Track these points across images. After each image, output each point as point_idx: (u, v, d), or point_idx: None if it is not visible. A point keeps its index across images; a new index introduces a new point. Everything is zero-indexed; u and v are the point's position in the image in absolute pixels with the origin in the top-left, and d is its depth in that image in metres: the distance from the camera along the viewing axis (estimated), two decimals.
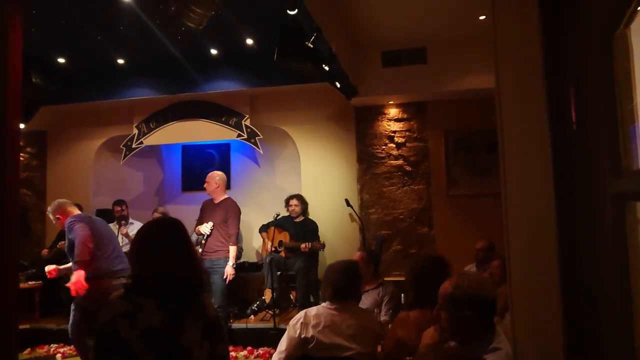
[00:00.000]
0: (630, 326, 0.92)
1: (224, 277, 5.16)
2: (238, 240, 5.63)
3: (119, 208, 6.67)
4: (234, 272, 5.21)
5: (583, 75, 1.00)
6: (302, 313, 2.70)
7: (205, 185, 5.47)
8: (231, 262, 5.20)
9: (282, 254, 6.20)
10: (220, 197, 5.42)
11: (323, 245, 6.04)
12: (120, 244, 6.27)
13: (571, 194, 1.02)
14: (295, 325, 2.64)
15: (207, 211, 5.46)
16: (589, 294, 1.01)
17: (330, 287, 2.74)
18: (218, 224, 5.29)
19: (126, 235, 6.32)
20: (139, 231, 2.04)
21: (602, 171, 0.95)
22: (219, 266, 5.17)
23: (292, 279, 6.25)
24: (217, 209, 5.37)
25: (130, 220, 6.67)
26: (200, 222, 5.45)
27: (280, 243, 6.25)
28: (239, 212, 5.40)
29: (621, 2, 0.90)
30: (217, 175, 5.46)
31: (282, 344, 2.65)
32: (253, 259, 7.11)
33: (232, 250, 5.23)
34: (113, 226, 6.54)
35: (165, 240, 1.95)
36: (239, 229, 5.41)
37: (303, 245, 6.01)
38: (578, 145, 1.01)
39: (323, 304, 2.75)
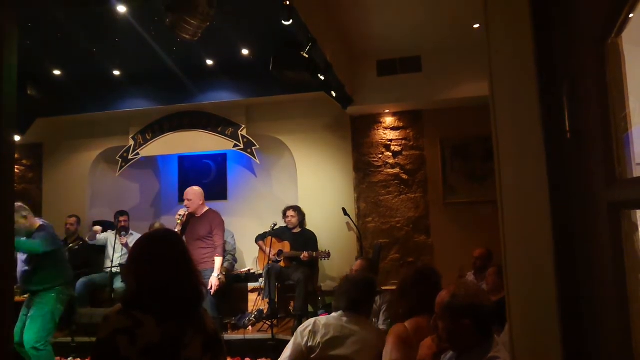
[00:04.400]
0: (628, 334, 0.92)
1: (209, 287, 5.14)
2: (228, 251, 5.65)
3: (122, 218, 6.66)
4: (219, 282, 5.19)
5: (576, 84, 1.00)
6: (311, 320, 2.68)
7: (187, 204, 5.42)
8: (216, 273, 5.21)
9: (282, 263, 6.18)
10: (202, 210, 5.44)
11: (328, 254, 6.03)
12: (119, 254, 6.30)
13: (566, 202, 1.02)
14: (304, 332, 2.61)
15: (190, 225, 5.44)
16: (586, 302, 1.01)
17: (345, 298, 2.72)
18: (203, 237, 5.30)
19: (125, 245, 6.31)
20: (135, 244, 2.00)
21: (597, 179, 0.95)
22: (205, 277, 5.15)
23: (290, 289, 6.22)
24: (200, 222, 5.37)
25: (131, 232, 6.66)
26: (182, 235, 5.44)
27: (280, 252, 6.24)
28: (222, 223, 5.43)
29: (612, 12, 0.91)
30: (196, 192, 5.44)
31: (287, 351, 2.62)
32: (252, 269, 7.09)
33: (218, 261, 5.24)
34: (112, 235, 6.53)
35: (163, 253, 1.92)
36: (224, 239, 5.40)
37: (303, 255, 6.00)
38: (572, 154, 1.01)
39: (334, 314, 2.73)
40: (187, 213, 5.44)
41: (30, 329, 4.41)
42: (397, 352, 2.32)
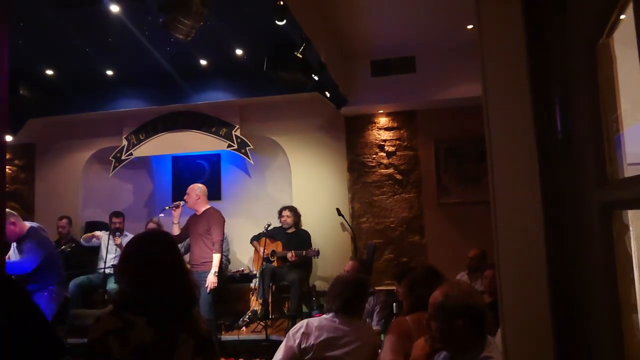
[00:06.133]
0: (620, 333, 0.92)
1: (206, 286, 5.11)
2: (224, 250, 5.64)
3: (117, 220, 6.62)
4: (216, 280, 5.14)
5: (568, 85, 1.01)
6: (303, 322, 2.67)
7: (185, 198, 5.51)
8: (214, 270, 5.14)
9: (275, 263, 6.17)
10: (202, 208, 5.45)
11: (317, 252, 6.02)
12: (113, 255, 6.28)
13: (558, 203, 1.03)
14: (296, 335, 2.60)
15: (191, 224, 5.45)
16: (578, 301, 1.01)
17: (338, 300, 2.71)
18: (202, 234, 5.28)
19: (120, 245, 6.28)
20: (126, 245, 2.00)
21: (588, 180, 0.96)
22: (205, 278, 5.12)
23: (284, 290, 6.22)
24: (200, 220, 5.38)
25: (125, 233, 6.62)
26: (184, 235, 5.47)
27: (273, 252, 6.23)
28: (221, 219, 5.39)
29: (603, 13, 0.91)
30: (197, 187, 5.52)
31: (279, 353, 2.61)
32: (245, 269, 7.08)
33: (216, 258, 5.19)
34: (106, 236, 6.50)
35: (155, 254, 1.92)
36: (222, 236, 5.38)
37: (289, 255, 5.98)
38: (564, 154, 1.01)
39: (326, 316, 2.72)
40: (181, 204, 5.48)
41: None
42: (394, 342, 2.37)
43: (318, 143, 7.06)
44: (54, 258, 4.83)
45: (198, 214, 5.45)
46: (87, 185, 7.69)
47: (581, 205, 0.97)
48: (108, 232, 6.52)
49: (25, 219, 7.48)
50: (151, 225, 6.73)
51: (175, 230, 5.45)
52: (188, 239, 5.74)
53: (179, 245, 5.22)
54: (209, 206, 5.51)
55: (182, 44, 4.12)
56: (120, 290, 1.89)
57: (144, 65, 6.00)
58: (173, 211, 5.52)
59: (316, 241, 6.43)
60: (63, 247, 6.37)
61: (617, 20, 0.91)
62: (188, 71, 6.27)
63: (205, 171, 7.69)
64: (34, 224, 4.75)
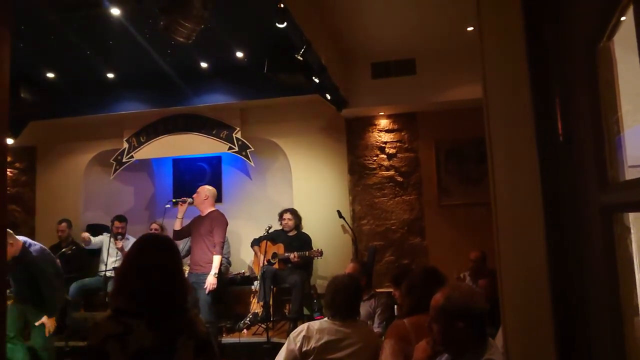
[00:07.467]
0: (621, 336, 0.92)
1: (205, 287, 5.10)
2: (224, 253, 5.65)
3: (119, 225, 6.59)
4: (215, 282, 5.13)
5: (568, 88, 1.01)
6: (304, 326, 2.69)
7: (194, 196, 5.56)
8: (213, 271, 5.14)
9: (276, 265, 6.17)
10: (207, 209, 5.47)
11: (321, 253, 6.02)
12: (114, 259, 6.27)
13: (559, 205, 1.03)
14: (297, 338, 2.62)
15: (194, 225, 5.47)
16: (579, 304, 1.01)
17: (336, 304, 2.73)
18: (204, 235, 5.28)
19: (121, 249, 6.27)
20: (128, 251, 2.02)
21: (589, 182, 0.96)
22: (205, 281, 5.12)
23: (286, 292, 6.21)
24: (203, 221, 5.39)
25: (127, 236, 6.61)
26: (185, 231, 5.48)
27: (275, 255, 6.22)
28: (224, 222, 5.40)
29: (604, 16, 0.91)
30: (207, 188, 5.61)
31: (280, 356, 2.63)
32: (245, 272, 7.07)
33: (216, 259, 5.19)
34: (107, 238, 6.49)
35: (156, 258, 1.93)
36: (224, 238, 5.39)
37: (292, 256, 5.98)
38: (565, 157, 1.01)
39: (326, 319, 2.74)
40: (188, 201, 5.53)
41: (39, 335, 4.47)
42: (393, 346, 2.37)
43: (319, 145, 7.06)
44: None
45: (203, 214, 5.47)
46: (88, 188, 7.69)
47: (582, 207, 0.97)
48: (109, 235, 6.51)
49: (25, 222, 7.55)
50: (154, 227, 6.74)
51: (177, 225, 5.50)
52: (189, 242, 5.74)
53: (179, 248, 5.23)
54: (214, 209, 5.53)
55: (182, 46, 4.12)
56: (120, 294, 1.89)
57: (145, 68, 6.00)
58: (180, 206, 5.56)
59: (317, 243, 6.42)
60: (64, 249, 6.38)
61: (618, 22, 0.91)
62: (189, 74, 6.27)
63: (206, 173, 7.69)
64: (36, 248, 4.43)
